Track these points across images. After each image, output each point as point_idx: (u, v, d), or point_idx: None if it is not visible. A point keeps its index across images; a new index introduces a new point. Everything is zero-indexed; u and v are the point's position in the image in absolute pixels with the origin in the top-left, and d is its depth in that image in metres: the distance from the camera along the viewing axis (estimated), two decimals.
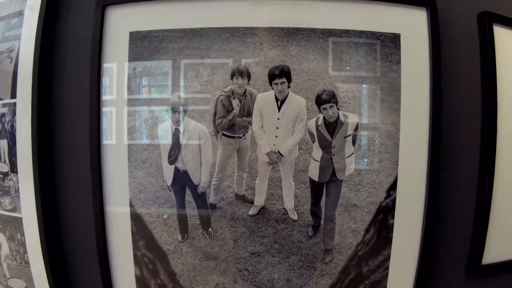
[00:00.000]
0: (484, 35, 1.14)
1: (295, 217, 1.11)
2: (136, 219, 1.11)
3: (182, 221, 1.12)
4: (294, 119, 1.09)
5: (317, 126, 1.09)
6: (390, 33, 1.08)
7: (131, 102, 1.10)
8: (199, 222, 1.12)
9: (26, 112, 1.12)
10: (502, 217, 1.17)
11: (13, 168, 1.17)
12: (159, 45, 1.09)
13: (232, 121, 1.11)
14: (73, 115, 1.15)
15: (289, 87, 1.08)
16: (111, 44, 1.10)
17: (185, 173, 1.12)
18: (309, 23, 1.07)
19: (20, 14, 1.18)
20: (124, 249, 1.12)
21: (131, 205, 1.11)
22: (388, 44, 1.08)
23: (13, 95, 1.16)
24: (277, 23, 1.07)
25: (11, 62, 1.17)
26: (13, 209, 1.18)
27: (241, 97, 1.11)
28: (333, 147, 1.09)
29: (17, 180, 1.17)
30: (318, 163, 1.10)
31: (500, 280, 1.20)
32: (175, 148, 1.11)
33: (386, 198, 1.09)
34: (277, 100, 1.10)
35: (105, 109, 1.10)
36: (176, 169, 1.12)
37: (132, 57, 1.10)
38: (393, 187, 1.08)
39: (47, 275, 1.14)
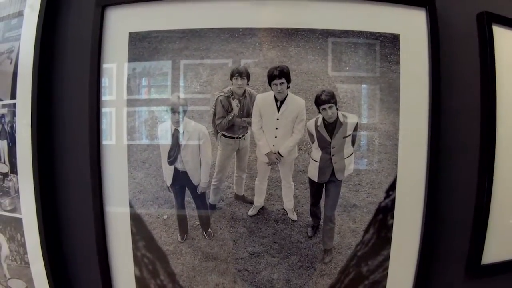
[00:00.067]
0: (484, 35, 1.14)
1: (295, 217, 1.11)
2: (136, 220, 1.12)
3: (182, 221, 1.12)
4: (294, 119, 1.09)
5: (316, 126, 1.09)
6: (389, 34, 1.08)
7: (130, 103, 1.10)
8: (198, 223, 1.12)
9: (26, 113, 1.12)
10: (501, 217, 1.17)
11: (13, 169, 1.18)
12: (159, 46, 1.09)
13: (231, 122, 1.11)
14: (73, 115, 1.15)
15: (288, 87, 1.09)
16: (111, 44, 1.10)
17: (185, 173, 1.12)
18: (308, 24, 1.07)
19: (20, 14, 1.18)
20: (124, 250, 1.12)
21: (130, 206, 1.11)
22: (387, 45, 1.08)
23: (13, 95, 1.16)
24: (277, 24, 1.07)
25: (11, 63, 1.17)
26: (13, 210, 1.19)
27: (241, 98, 1.11)
28: (332, 148, 1.09)
29: (17, 180, 1.17)
30: (318, 164, 1.10)
31: (499, 280, 1.20)
32: (175, 148, 1.11)
33: (385, 198, 1.09)
34: (276, 100, 1.10)
35: (104, 110, 1.10)
36: (176, 170, 1.12)
37: (132, 58, 1.10)
38: (392, 187, 1.08)
39: (47, 276, 1.14)
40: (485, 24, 1.13)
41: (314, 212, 1.11)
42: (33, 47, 1.12)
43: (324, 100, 1.06)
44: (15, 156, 1.16)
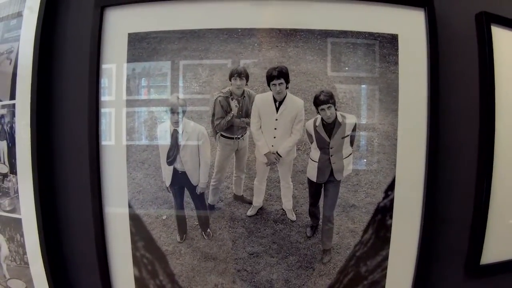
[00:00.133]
0: (482, 36, 1.14)
1: (294, 217, 1.11)
2: (135, 220, 1.12)
3: (181, 221, 1.12)
4: (292, 120, 1.09)
5: (315, 127, 1.09)
6: (388, 34, 1.08)
7: (130, 103, 1.11)
8: (197, 223, 1.12)
9: (25, 114, 1.12)
10: (500, 216, 1.17)
11: (13, 169, 1.18)
12: (158, 46, 1.09)
13: (230, 122, 1.11)
14: (72, 116, 1.15)
15: (287, 88, 1.09)
16: (110, 45, 1.10)
17: (184, 174, 1.12)
18: (307, 24, 1.07)
19: (19, 15, 1.18)
20: (123, 250, 1.12)
21: (130, 206, 1.11)
22: (386, 45, 1.08)
23: (12, 96, 1.16)
24: (275, 24, 1.07)
25: (10, 63, 1.18)
26: (13, 210, 1.19)
27: (240, 98, 1.11)
28: (331, 148, 1.10)
29: (16, 181, 1.17)
30: (316, 164, 1.10)
31: (498, 280, 1.20)
32: (174, 149, 1.11)
33: (384, 198, 1.09)
34: (275, 101, 1.11)
35: (104, 110, 1.11)
36: (175, 170, 1.12)
37: (131, 58, 1.10)
38: (391, 187, 1.08)
39: (46, 276, 1.14)
40: (483, 24, 1.14)
41: (313, 212, 1.11)
42: (33, 47, 1.12)
43: (322, 100, 1.07)
44: (14, 157, 1.16)
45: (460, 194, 1.15)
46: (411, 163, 1.08)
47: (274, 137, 1.10)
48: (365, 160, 1.10)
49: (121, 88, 1.10)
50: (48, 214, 1.14)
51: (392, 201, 1.09)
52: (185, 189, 1.13)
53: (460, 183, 1.15)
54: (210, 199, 1.13)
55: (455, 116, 1.13)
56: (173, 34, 1.09)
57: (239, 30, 1.08)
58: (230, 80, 1.09)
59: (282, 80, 1.07)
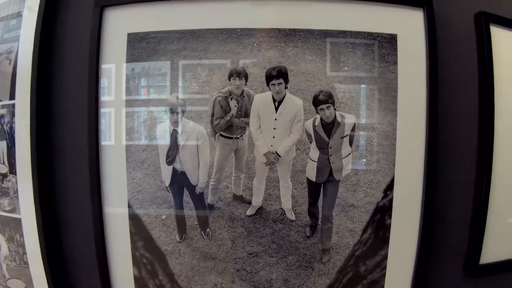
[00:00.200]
0: (481, 35, 1.14)
1: (293, 217, 1.11)
2: (135, 220, 1.12)
3: (180, 221, 1.12)
4: (292, 119, 1.10)
5: (314, 126, 1.09)
6: (387, 34, 1.08)
7: (129, 103, 1.11)
8: (197, 223, 1.12)
9: (25, 113, 1.12)
10: (500, 216, 1.17)
11: (12, 169, 1.18)
12: (157, 46, 1.09)
13: (229, 122, 1.12)
14: (72, 116, 1.15)
15: (286, 88, 1.09)
16: (109, 45, 1.10)
17: (183, 173, 1.12)
18: (306, 24, 1.07)
19: (19, 15, 1.18)
20: (123, 250, 1.12)
21: (129, 206, 1.11)
22: (385, 45, 1.08)
23: (12, 96, 1.16)
24: (275, 24, 1.07)
25: (10, 63, 1.18)
26: (12, 210, 1.19)
27: (239, 98, 1.11)
28: (330, 148, 1.10)
29: (16, 181, 1.17)
30: (316, 164, 1.11)
31: (498, 279, 1.20)
32: (173, 148, 1.11)
33: (383, 198, 1.09)
34: (274, 101, 1.11)
35: (103, 110, 1.11)
36: (174, 170, 1.12)
37: (130, 58, 1.10)
38: (390, 187, 1.09)
39: (46, 276, 1.14)
40: (482, 24, 1.14)
41: (312, 212, 1.11)
42: (32, 48, 1.12)
43: (322, 100, 1.07)
44: (14, 157, 1.17)
45: (459, 194, 1.15)
46: (410, 163, 1.08)
47: (273, 137, 1.10)
48: (364, 159, 1.10)
49: (121, 88, 1.11)
50: (48, 214, 1.14)
51: (391, 200, 1.09)
52: (185, 188, 1.13)
53: (459, 183, 1.15)
54: (209, 199, 1.13)
55: (454, 116, 1.13)
56: (173, 34, 1.09)
57: (238, 30, 1.08)
58: (229, 80, 1.09)
59: (281, 80, 1.07)
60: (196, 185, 1.12)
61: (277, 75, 1.07)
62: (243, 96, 1.11)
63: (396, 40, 1.08)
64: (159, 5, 1.09)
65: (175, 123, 1.10)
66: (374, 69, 1.08)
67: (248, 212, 1.12)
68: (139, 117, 1.12)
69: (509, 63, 1.17)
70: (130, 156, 1.11)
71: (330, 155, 1.10)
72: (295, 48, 1.08)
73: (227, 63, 1.09)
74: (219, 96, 1.10)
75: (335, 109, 1.08)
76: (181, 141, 1.11)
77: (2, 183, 1.20)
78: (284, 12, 1.08)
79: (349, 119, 1.08)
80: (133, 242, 1.12)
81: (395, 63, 1.08)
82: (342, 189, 1.10)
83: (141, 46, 1.10)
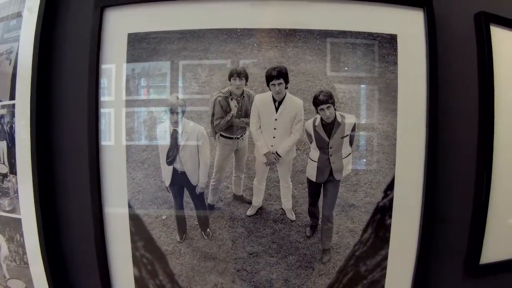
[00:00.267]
0: (481, 36, 1.14)
1: (293, 217, 1.11)
2: (135, 220, 1.12)
3: (181, 221, 1.12)
4: (292, 119, 1.10)
5: (314, 126, 1.09)
6: (387, 34, 1.08)
7: (129, 103, 1.11)
8: (197, 223, 1.12)
9: (25, 114, 1.12)
10: (500, 216, 1.17)
11: (12, 169, 1.18)
12: (157, 47, 1.09)
13: (230, 122, 1.12)
14: (72, 116, 1.15)
15: (286, 88, 1.09)
16: (110, 45, 1.10)
17: (183, 174, 1.12)
18: (306, 24, 1.07)
19: (19, 15, 1.18)
20: (123, 250, 1.12)
21: (129, 206, 1.11)
22: (385, 45, 1.08)
23: (12, 96, 1.16)
24: (275, 25, 1.08)
25: (10, 63, 1.18)
26: (12, 210, 1.19)
27: (239, 98, 1.11)
28: (331, 148, 1.10)
29: (16, 181, 1.17)
30: (316, 164, 1.11)
31: (498, 279, 1.20)
32: (173, 149, 1.11)
33: (383, 198, 1.09)
34: (274, 101, 1.11)
35: (103, 110, 1.11)
36: (174, 170, 1.12)
37: (131, 58, 1.10)
38: (390, 187, 1.09)
39: (46, 276, 1.14)
40: (482, 24, 1.14)
41: (313, 212, 1.11)
42: (32, 48, 1.12)
43: (322, 100, 1.07)
44: (14, 157, 1.17)
45: (460, 194, 1.15)
46: (411, 163, 1.09)
47: (274, 137, 1.10)
48: (364, 160, 1.10)
49: (121, 88, 1.11)
50: (48, 214, 1.14)
51: (391, 200, 1.09)
52: (185, 189, 1.13)
53: (460, 183, 1.15)
54: (209, 199, 1.13)
55: (454, 116, 1.13)
56: (173, 34, 1.09)
57: (239, 30, 1.08)
58: (229, 80, 1.09)
59: (281, 80, 1.07)
60: (197, 185, 1.12)
61: (277, 75, 1.07)
62: (244, 96, 1.11)
63: (396, 40, 1.08)
64: (159, 5, 1.09)
65: (175, 123, 1.10)
66: (374, 69, 1.09)
67: (249, 212, 1.12)
68: (139, 117, 1.12)
69: (509, 63, 1.17)
70: (130, 156, 1.11)
71: (331, 155, 1.10)
72: (295, 48, 1.08)
73: (227, 63, 1.09)
74: (219, 96, 1.10)
75: (335, 109, 1.08)
76: (181, 141, 1.11)
77: (2, 183, 1.20)
78: (284, 12, 1.08)
79: (349, 119, 1.08)
80: (133, 242, 1.12)
81: (395, 63, 1.08)
82: (343, 189, 1.10)
83: (141, 46, 1.10)
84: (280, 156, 1.10)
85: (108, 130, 1.11)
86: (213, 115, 1.11)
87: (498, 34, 1.16)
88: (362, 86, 1.09)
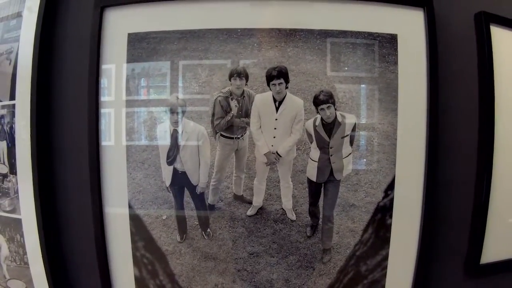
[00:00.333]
0: (482, 35, 1.14)
1: (293, 217, 1.11)
2: (135, 220, 1.12)
3: (181, 221, 1.12)
4: (292, 119, 1.10)
5: (314, 126, 1.09)
6: (388, 34, 1.08)
7: (129, 103, 1.11)
8: (197, 223, 1.12)
9: (25, 114, 1.12)
10: (500, 216, 1.17)
11: (12, 170, 1.18)
12: (157, 46, 1.09)
13: (230, 122, 1.11)
14: (72, 116, 1.15)
15: (287, 88, 1.09)
16: (110, 45, 1.10)
17: (184, 173, 1.12)
18: (306, 24, 1.07)
19: (19, 15, 1.18)
20: (123, 250, 1.12)
21: (130, 206, 1.11)
22: (386, 45, 1.08)
23: (12, 96, 1.16)
24: (275, 24, 1.08)
25: (10, 64, 1.18)
26: (13, 211, 1.19)
27: (239, 98, 1.11)
28: (331, 148, 1.10)
29: (16, 181, 1.17)
30: (316, 164, 1.11)
31: (498, 279, 1.20)
32: (174, 149, 1.11)
33: (384, 198, 1.09)
34: (275, 101, 1.11)
35: (103, 110, 1.11)
36: (175, 170, 1.12)
37: (131, 58, 1.10)
38: (390, 187, 1.09)
39: (46, 276, 1.14)
40: (483, 24, 1.14)
41: (313, 212, 1.11)
42: (32, 48, 1.12)
43: (322, 100, 1.07)
44: (14, 157, 1.16)
45: (460, 194, 1.15)
46: (411, 163, 1.09)
47: (274, 137, 1.10)
48: (364, 159, 1.10)
49: (121, 88, 1.10)
50: (48, 214, 1.14)
51: (392, 200, 1.09)
52: (185, 189, 1.13)
53: (460, 183, 1.15)
54: (210, 199, 1.13)
55: (455, 116, 1.13)
56: (173, 34, 1.09)
57: (239, 30, 1.08)
58: (229, 80, 1.09)
59: (281, 80, 1.07)
60: (197, 185, 1.12)
61: (277, 75, 1.07)
62: (244, 96, 1.11)
63: (397, 40, 1.08)
64: (159, 5, 1.09)
65: (175, 123, 1.10)
66: (374, 69, 1.09)
67: (249, 212, 1.12)
68: (139, 117, 1.12)
69: (510, 63, 1.17)
70: (130, 156, 1.11)
71: (331, 155, 1.10)
72: (295, 48, 1.08)
73: (227, 63, 1.09)
74: (219, 96, 1.10)
75: (335, 109, 1.08)
76: (181, 141, 1.11)
77: (3, 183, 1.20)
78: (285, 12, 1.08)
79: (349, 119, 1.08)
80: (133, 242, 1.12)
81: (396, 63, 1.08)
82: (343, 189, 1.10)
83: (141, 46, 1.10)
84: (280, 156, 1.10)
85: (108, 130, 1.11)
86: (213, 115, 1.11)
87: (498, 34, 1.16)
88: (363, 86, 1.09)
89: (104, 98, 1.10)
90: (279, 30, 1.07)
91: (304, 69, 1.08)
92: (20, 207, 1.17)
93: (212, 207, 1.13)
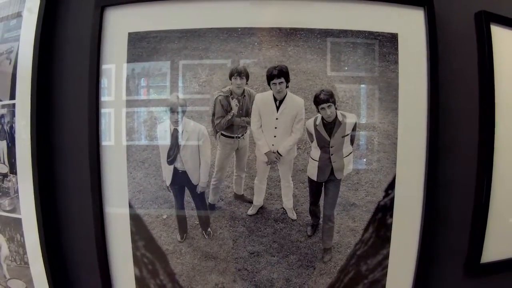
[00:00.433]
0: (482, 35, 1.14)
1: (294, 216, 1.11)
2: (135, 220, 1.12)
3: (181, 221, 1.12)
4: (293, 119, 1.10)
5: (315, 125, 1.09)
6: (388, 33, 1.08)
7: (129, 103, 1.11)
8: (198, 222, 1.12)
9: (25, 113, 1.12)
10: (500, 215, 1.17)
11: (13, 169, 1.18)
12: (158, 46, 1.09)
13: (230, 121, 1.11)
14: (72, 116, 1.15)
15: (287, 87, 1.09)
16: (110, 45, 1.10)
17: (184, 173, 1.12)
18: (307, 24, 1.07)
19: (19, 15, 1.18)
20: (124, 250, 1.12)
21: (130, 206, 1.11)
22: (386, 44, 1.08)
23: (12, 96, 1.16)
24: (275, 24, 1.08)
25: (10, 63, 1.18)
26: (13, 210, 1.19)
27: (240, 97, 1.11)
28: (331, 147, 1.10)
29: (16, 181, 1.17)
30: (317, 163, 1.11)
31: (498, 279, 1.20)
32: (174, 148, 1.11)
33: (384, 197, 1.09)
34: (275, 100, 1.11)
35: (104, 110, 1.10)
36: (175, 169, 1.12)
37: (131, 58, 1.10)
38: (391, 186, 1.09)
39: (46, 276, 1.14)
40: (483, 23, 1.14)
41: (314, 211, 1.11)
42: (32, 47, 1.12)
43: (323, 99, 1.07)
44: (14, 157, 1.16)
45: (460, 193, 1.15)
46: (412, 162, 1.09)
47: (275, 136, 1.10)
48: (365, 159, 1.10)
49: (121, 88, 1.10)
50: (48, 214, 1.14)
51: (392, 199, 1.09)
52: (186, 188, 1.13)
53: (460, 182, 1.15)
54: (210, 199, 1.13)
55: (455, 115, 1.14)
56: (173, 33, 1.09)
57: (239, 29, 1.08)
58: (230, 79, 1.09)
59: (282, 79, 1.07)
60: (197, 184, 1.12)
61: (278, 74, 1.07)
62: (244, 96, 1.11)
63: (397, 39, 1.08)
64: (159, 4, 1.09)
65: (175, 122, 1.10)
66: (375, 68, 1.09)
67: (249, 212, 1.12)
68: (139, 117, 1.12)
69: (510, 62, 1.18)
70: (130, 155, 1.11)
71: (331, 154, 1.10)
72: (296, 47, 1.08)
73: (227, 63, 1.09)
74: (220, 95, 1.10)
75: (336, 108, 1.08)
76: (182, 140, 1.11)
77: (3, 183, 1.20)
78: (285, 11, 1.08)
79: (350, 119, 1.08)
80: (134, 241, 1.12)
81: (396, 62, 1.08)
82: (343, 188, 1.10)
83: (141, 45, 1.10)
84: (281, 155, 1.10)
85: (109, 130, 1.11)
86: (213, 114, 1.11)
87: (498, 33, 1.16)
88: (363, 85, 1.09)
89: (104, 98, 1.10)
90: (280, 29, 1.07)
91: (305, 68, 1.08)
92: (20, 206, 1.17)
93: (212, 207, 1.13)
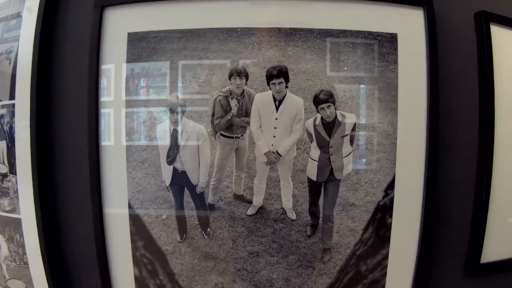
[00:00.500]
0: (481, 35, 1.14)
1: (294, 216, 1.11)
2: (135, 220, 1.12)
3: (181, 221, 1.12)
4: (292, 119, 1.10)
5: (315, 126, 1.09)
6: (387, 33, 1.08)
7: (129, 103, 1.11)
8: (197, 222, 1.12)
9: (25, 114, 1.12)
10: (500, 215, 1.17)
11: (12, 169, 1.18)
12: (157, 46, 1.09)
13: (230, 121, 1.11)
14: (72, 116, 1.15)
15: (287, 87, 1.09)
16: (110, 45, 1.10)
17: (184, 173, 1.12)
18: (306, 24, 1.07)
19: (19, 15, 1.18)
20: (123, 250, 1.12)
21: (129, 206, 1.11)
22: (385, 44, 1.08)
23: (12, 96, 1.16)
24: (275, 24, 1.08)
25: (9, 63, 1.18)
26: (12, 210, 1.19)
27: (239, 97, 1.11)
28: (331, 147, 1.10)
29: (16, 181, 1.17)
30: (316, 163, 1.10)
31: (498, 278, 1.20)
32: (174, 148, 1.11)
33: (384, 197, 1.09)
34: (275, 100, 1.11)
35: (103, 110, 1.10)
36: (175, 169, 1.12)
37: (130, 58, 1.10)
38: (391, 186, 1.09)
39: (46, 276, 1.14)
40: (482, 23, 1.14)
41: (313, 211, 1.11)
42: (32, 48, 1.12)
43: (322, 99, 1.07)
44: (14, 157, 1.16)
45: (460, 193, 1.15)
46: (411, 162, 1.08)
47: (274, 136, 1.10)
48: (364, 159, 1.10)
49: (121, 88, 1.10)
50: (48, 214, 1.14)
51: (392, 199, 1.09)
52: (185, 188, 1.13)
53: (460, 182, 1.15)
54: (210, 199, 1.13)
55: (455, 115, 1.13)
56: (173, 33, 1.09)
57: (239, 30, 1.08)
58: (229, 79, 1.09)
59: (281, 79, 1.07)
60: (197, 184, 1.12)
61: (277, 75, 1.07)
62: (244, 96, 1.11)
63: (397, 39, 1.08)
64: (159, 4, 1.09)
65: (175, 122, 1.10)
66: (374, 68, 1.09)
67: (249, 212, 1.12)
68: (139, 117, 1.12)
69: (510, 62, 1.17)
70: (130, 156, 1.11)
71: (331, 154, 1.10)
72: (295, 47, 1.08)
73: (227, 63, 1.09)
74: (219, 95, 1.10)
75: (335, 108, 1.08)
76: (181, 141, 1.11)
77: (2, 183, 1.20)
78: (285, 11, 1.08)
79: (349, 119, 1.08)
80: (133, 242, 1.12)
81: (395, 62, 1.08)
82: (343, 188, 1.09)
83: (141, 45, 1.10)
84: (280, 155, 1.10)
85: (108, 130, 1.11)
86: (213, 114, 1.11)
87: (498, 33, 1.16)
88: (363, 85, 1.09)
89: (104, 98, 1.10)
90: (279, 29, 1.07)
91: (304, 69, 1.08)
92: (20, 207, 1.17)
93: (212, 207, 1.13)
